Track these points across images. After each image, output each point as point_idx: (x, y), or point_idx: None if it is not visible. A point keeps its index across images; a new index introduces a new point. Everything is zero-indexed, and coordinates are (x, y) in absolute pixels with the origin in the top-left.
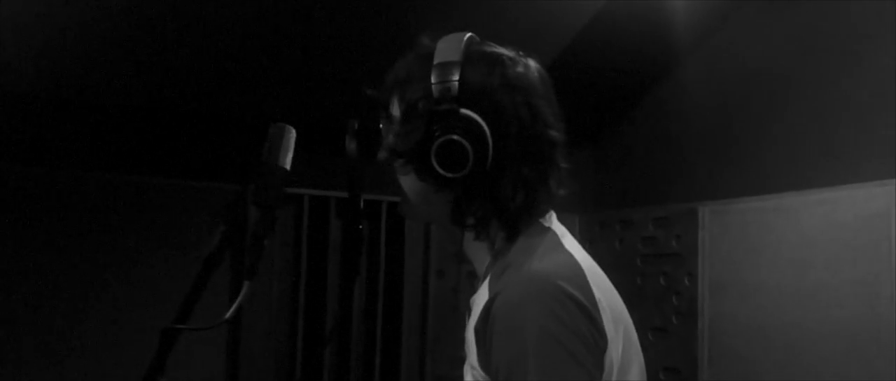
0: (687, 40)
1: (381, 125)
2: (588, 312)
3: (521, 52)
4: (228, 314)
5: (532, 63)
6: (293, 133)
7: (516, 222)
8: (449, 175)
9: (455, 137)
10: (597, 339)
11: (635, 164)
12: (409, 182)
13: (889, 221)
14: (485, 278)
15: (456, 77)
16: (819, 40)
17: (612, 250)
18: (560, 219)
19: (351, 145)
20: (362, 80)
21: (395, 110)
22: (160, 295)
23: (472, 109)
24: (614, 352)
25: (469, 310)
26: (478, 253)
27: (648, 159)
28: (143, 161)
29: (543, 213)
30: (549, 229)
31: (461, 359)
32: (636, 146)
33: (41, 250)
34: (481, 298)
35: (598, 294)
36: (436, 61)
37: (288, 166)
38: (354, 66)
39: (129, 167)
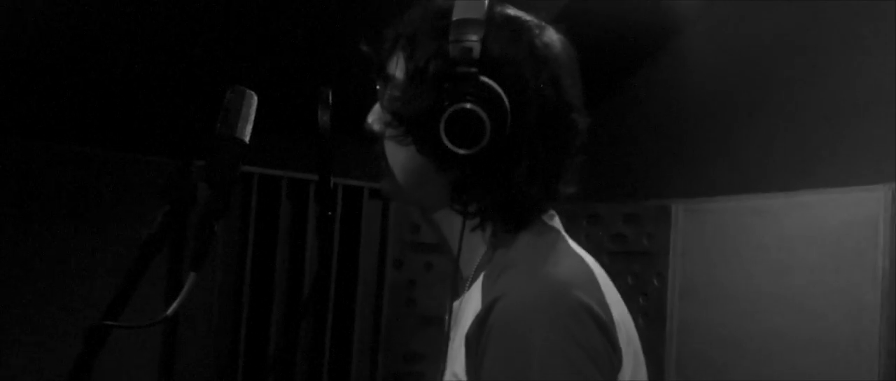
0: (664, 28)
1: (377, 87)
2: (604, 326)
3: (542, 22)
4: (171, 310)
5: (557, 35)
6: (254, 100)
7: (526, 214)
8: (458, 151)
9: (471, 106)
10: (612, 358)
11: (607, 155)
12: (404, 156)
13: (876, 228)
14: (476, 278)
15: (478, 39)
16: (809, 35)
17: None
18: None
19: (324, 118)
20: (339, 41)
21: (398, 71)
22: (94, 284)
23: (491, 79)
24: (625, 376)
25: (449, 316)
26: (469, 247)
27: (621, 151)
28: (81, 129)
29: (547, 209)
30: (553, 228)
31: (416, 356)
32: (609, 137)
33: None
34: (472, 302)
35: (612, 307)
36: (455, 18)
37: (246, 138)
38: (330, 24)
39: (63, 135)
